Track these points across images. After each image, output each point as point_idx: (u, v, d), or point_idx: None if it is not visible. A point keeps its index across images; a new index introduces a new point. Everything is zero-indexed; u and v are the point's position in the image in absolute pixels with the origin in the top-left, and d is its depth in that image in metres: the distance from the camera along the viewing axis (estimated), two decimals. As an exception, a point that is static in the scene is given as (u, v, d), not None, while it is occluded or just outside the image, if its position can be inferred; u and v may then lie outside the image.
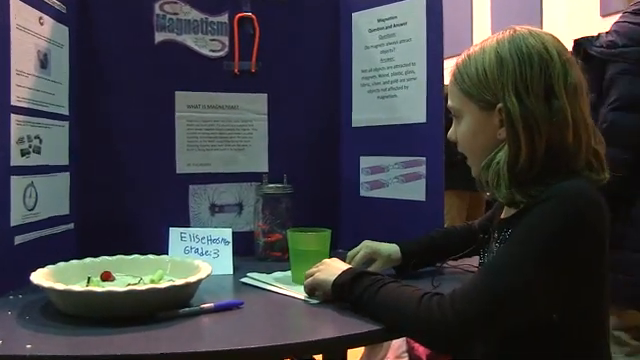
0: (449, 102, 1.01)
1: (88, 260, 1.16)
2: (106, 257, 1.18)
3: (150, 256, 1.21)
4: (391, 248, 1.24)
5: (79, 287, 0.97)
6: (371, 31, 1.54)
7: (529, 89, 0.89)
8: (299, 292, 1.11)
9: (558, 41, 0.94)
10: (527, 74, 0.89)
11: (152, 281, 1.09)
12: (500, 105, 0.91)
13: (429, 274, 1.22)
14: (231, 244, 1.36)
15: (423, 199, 1.44)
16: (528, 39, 0.92)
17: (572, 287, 0.85)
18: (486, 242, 1.06)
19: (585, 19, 4.43)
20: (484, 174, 0.94)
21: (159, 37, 1.46)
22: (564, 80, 0.90)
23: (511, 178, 0.90)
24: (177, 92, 1.48)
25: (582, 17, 4.38)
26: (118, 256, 1.19)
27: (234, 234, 1.38)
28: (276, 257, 1.43)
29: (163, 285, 0.98)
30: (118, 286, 0.98)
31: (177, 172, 1.49)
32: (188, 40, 1.48)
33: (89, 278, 1.09)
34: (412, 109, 1.45)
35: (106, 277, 1.13)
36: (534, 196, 0.88)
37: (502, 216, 1.02)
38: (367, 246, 1.24)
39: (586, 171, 0.91)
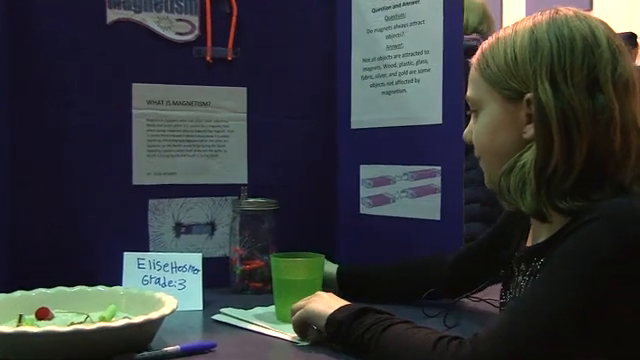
0: (468, 92, 1.01)
1: (19, 294, 1.15)
2: (42, 290, 1.17)
3: (100, 288, 1.20)
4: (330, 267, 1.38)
5: (8, 327, 0.96)
6: (375, 11, 1.54)
7: (567, 77, 0.89)
8: (285, 331, 1.11)
9: (610, 28, 0.94)
10: (566, 59, 0.89)
11: (102, 319, 1.08)
12: (529, 95, 0.91)
13: (442, 312, 1.21)
14: (201, 273, 1.35)
15: (438, 218, 1.44)
16: (572, 21, 0.92)
17: (624, 332, 0.84)
18: (508, 276, 1.06)
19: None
20: (505, 180, 0.94)
21: (112, 15, 1.45)
22: (612, 71, 0.90)
23: (539, 185, 0.89)
24: (135, 84, 1.47)
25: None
26: (58, 288, 1.19)
27: (204, 260, 1.37)
28: (256, 289, 1.43)
29: (116, 324, 0.97)
30: (59, 326, 0.97)
31: (134, 183, 1.48)
32: (148, 20, 1.48)
33: (20, 316, 1.08)
34: (425, 107, 1.45)
35: (42, 315, 1.12)
36: (570, 211, 0.87)
37: (529, 243, 1.02)
38: None
39: (636, 187, 0.90)
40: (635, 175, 0.91)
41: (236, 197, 1.49)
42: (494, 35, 0.98)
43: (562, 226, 0.89)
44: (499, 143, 0.97)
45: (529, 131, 0.92)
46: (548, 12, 0.95)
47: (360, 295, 1.21)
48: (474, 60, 1.00)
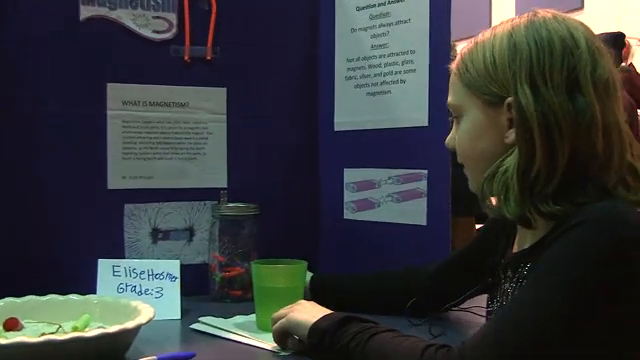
0: (448, 98, 1.02)
1: (-14, 303, 1.15)
2: (11, 299, 1.17)
3: (72, 296, 1.20)
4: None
5: (-24, 338, 0.95)
6: (359, 9, 1.54)
7: (547, 80, 0.90)
8: (266, 341, 1.11)
9: (589, 29, 0.95)
10: (546, 62, 0.90)
11: (75, 329, 1.08)
12: (510, 99, 0.92)
13: (426, 321, 1.21)
14: (179, 280, 1.35)
15: (424, 223, 1.44)
16: (550, 23, 0.93)
17: (612, 336, 0.85)
18: (494, 283, 1.06)
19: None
20: (487, 186, 0.95)
21: (86, 12, 1.44)
22: (592, 72, 0.91)
23: (522, 190, 0.90)
24: (109, 84, 1.46)
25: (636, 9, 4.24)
26: (28, 297, 1.18)
27: (183, 267, 1.37)
28: (237, 297, 1.43)
29: (90, 334, 0.96)
30: (29, 337, 0.95)
31: (109, 187, 1.47)
32: (124, 17, 1.47)
33: (-12, 327, 1.08)
34: (410, 109, 1.46)
35: (11, 325, 1.10)
36: (554, 216, 0.88)
37: (515, 249, 1.03)
38: None
39: (620, 189, 0.91)
40: (619, 178, 0.92)
41: (215, 202, 1.49)
42: (473, 40, 0.99)
43: (548, 231, 0.90)
44: (481, 149, 0.98)
45: (511, 136, 0.93)
46: (526, 15, 0.96)
47: (335, 305, 1.18)
48: (453, 65, 1.01)
